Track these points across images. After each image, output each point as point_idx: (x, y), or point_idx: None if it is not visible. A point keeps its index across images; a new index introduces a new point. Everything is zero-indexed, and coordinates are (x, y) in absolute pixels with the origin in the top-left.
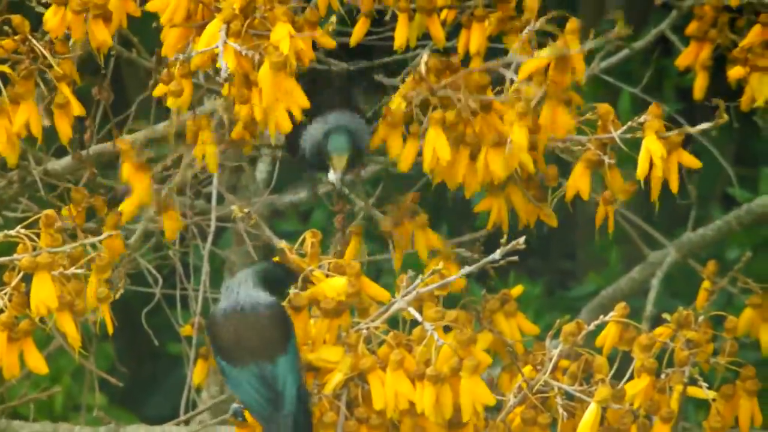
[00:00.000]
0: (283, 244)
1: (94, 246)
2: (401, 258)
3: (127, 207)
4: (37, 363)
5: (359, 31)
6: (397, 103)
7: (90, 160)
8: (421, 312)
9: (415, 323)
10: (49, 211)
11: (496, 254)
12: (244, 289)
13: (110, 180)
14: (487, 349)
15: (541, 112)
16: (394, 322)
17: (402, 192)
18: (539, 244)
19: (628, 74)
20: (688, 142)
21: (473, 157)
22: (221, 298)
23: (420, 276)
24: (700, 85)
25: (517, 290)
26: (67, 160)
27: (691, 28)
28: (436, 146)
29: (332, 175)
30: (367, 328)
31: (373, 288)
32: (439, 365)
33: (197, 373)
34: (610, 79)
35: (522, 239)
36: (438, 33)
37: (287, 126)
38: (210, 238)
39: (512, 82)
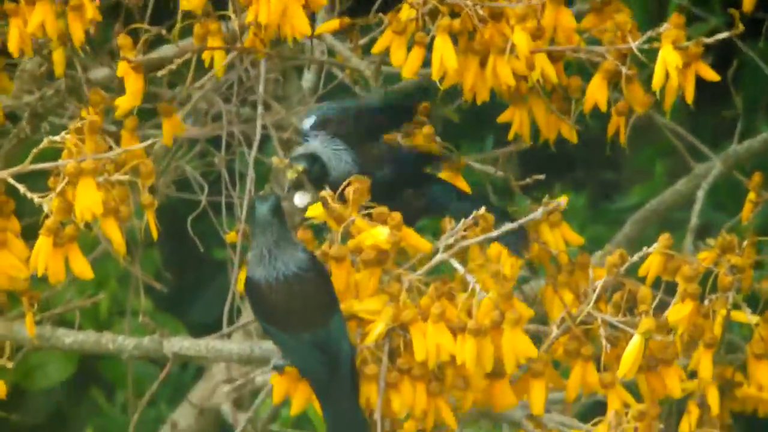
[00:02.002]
0: (325, 192)
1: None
2: None
3: (121, 103)
4: (83, 268)
5: None
6: (405, 11)
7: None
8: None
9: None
10: (94, 117)
11: (538, 213)
12: (280, 254)
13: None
14: (531, 260)
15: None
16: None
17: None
18: (583, 155)
19: None
20: (732, 55)
21: (482, 64)
22: (254, 258)
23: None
24: None
25: (563, 199)
26: (107, 69)
27: None
28: (443, 54)
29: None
30: (409, 279)
31: (414, 238)
32: (481, 318)
33: (241, 280)
34: None
35: (563, 201)
36: None
37: (305, 28)
38: (255, 146)
39: None
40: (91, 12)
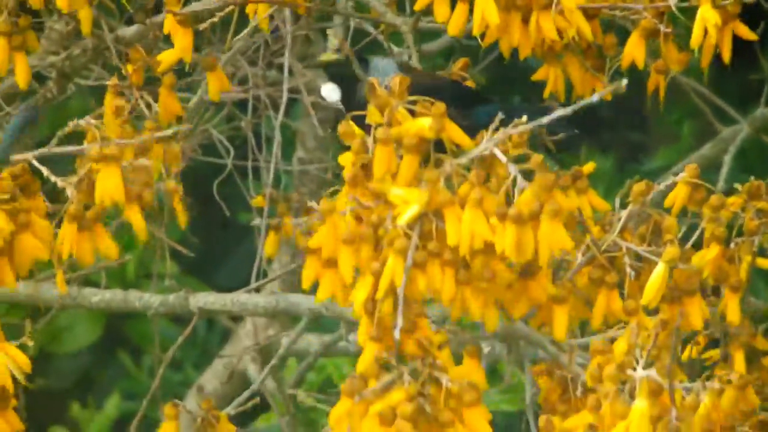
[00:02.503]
0: (372, 78)
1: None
2: None
3: (165, 58)
4: (109, 249)
5: None
6: None
7: (153, 24)
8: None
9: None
10: (119, 102)
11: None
12: None
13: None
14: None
15: None
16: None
17: (475, 60)
18: (610, 115)
19: None
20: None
21: (525, 20)
22: None
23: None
24: None
25: (589, 167)
26: (136, 27)
27: None
28: (484, 10)
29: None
30: (449, 164)
31: (456, 132)
32: (522, 206)
33: (269, 244)
34: None
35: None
36: None
37: None
38: (282, 109)
39: None
40: None
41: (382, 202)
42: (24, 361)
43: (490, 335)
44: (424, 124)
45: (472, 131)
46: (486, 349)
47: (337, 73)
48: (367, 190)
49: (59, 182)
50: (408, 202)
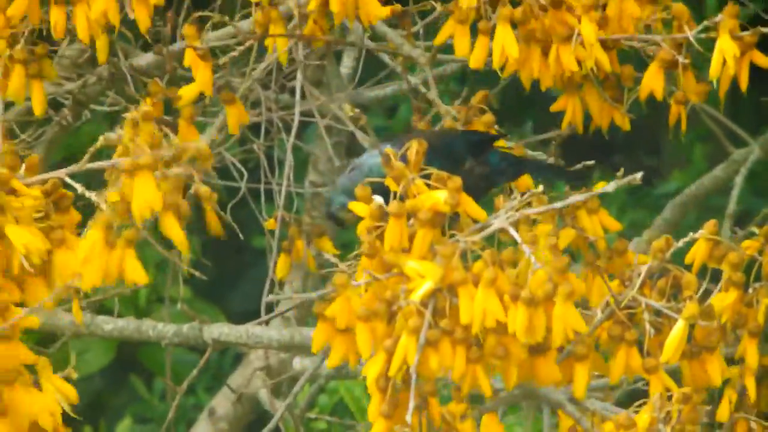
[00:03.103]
0: (388, 149)
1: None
2: None
3: (186, 93)
4: (135, 272)
5: None
6: (464, 0)
7: (170, 54)
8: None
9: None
10: (149, 109)
11: (610, 186)
12: None
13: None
14: (568, 246)
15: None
16: (489, 242)
17: (488, 90)
18: (623, 140)
19: None
20: None
21: (545, 53)
22: None
23: (518, 197)
24: None
25: (601, 186)
26: (152, 55)
27: None
28: (504, 43)
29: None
30: (464, 242)
31: (471, 206)
32: (534, 288)
33: (280, 267)
34: None
35: (639, 175)
36: None
37: (381, 12)
38: (293, 132)
39: None
40: None
41: (396, 273)
42: (72, 393)
43: (510, 396)
44: (440, 198)
45: (491, 177)
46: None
47: None
48: (382, 261)
49: (93, 197)
50: (423, 276)
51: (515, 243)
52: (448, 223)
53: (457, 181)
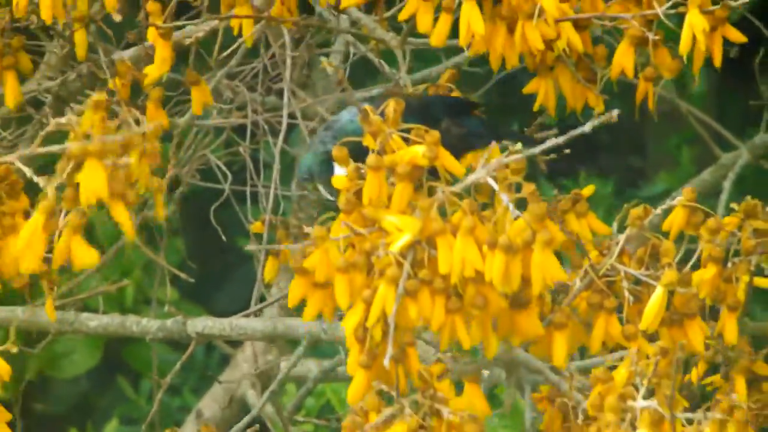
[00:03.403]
0: (366, 106)
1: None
2: None
3: (151, 72)
4: (86, 256)
5: None
6: None
7: (148, 48)
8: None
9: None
10: (100, 96)
11: (587, 126)
12: None
13: (176, 73)
14: (557, 250)
15: None
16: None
17: (475, 87)
18: (609, 141)
19: None
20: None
21: (510, 31)
22: None
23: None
24: None
25: (589, 190)
26: (132, 51)
27: None
28: (470, 20)
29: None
30: (443, 193)
31: (449, 160)
32: (512, 236)
33: (268, 270)
34: None
35: (615, 112)
36: None
37: None
38: (281, 135)
39: None
40: None
41: (376, 228)
42: (5, 369)
43: (490, 362)
44: (418, 152)
45: (467, 139)
46: (485, 373)
47: None
48: (360, 216)
49: (41, 182)
50: (401, 230)
51: (493, 204)
52: (425, 179)
53: (435, 134)
